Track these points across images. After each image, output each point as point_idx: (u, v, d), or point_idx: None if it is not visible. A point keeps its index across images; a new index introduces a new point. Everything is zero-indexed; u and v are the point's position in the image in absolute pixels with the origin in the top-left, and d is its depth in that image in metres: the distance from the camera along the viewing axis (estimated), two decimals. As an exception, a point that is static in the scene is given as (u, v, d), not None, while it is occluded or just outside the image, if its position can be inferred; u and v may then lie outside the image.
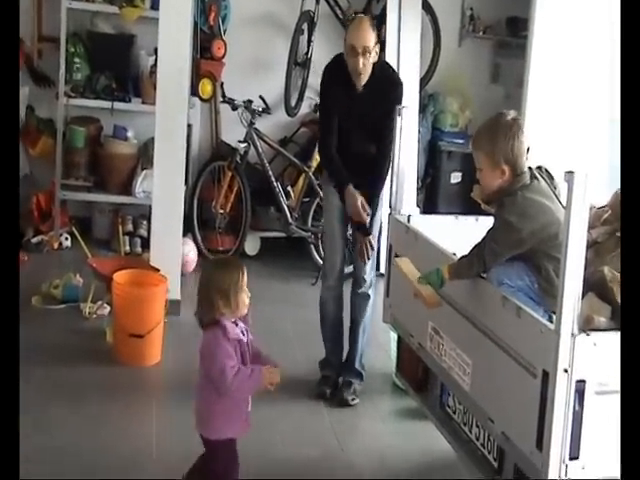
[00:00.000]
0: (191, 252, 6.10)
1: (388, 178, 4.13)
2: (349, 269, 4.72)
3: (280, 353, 4.84)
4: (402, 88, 4.23)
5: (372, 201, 4.22)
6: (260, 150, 6.33)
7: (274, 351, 4.83)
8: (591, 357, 2.52)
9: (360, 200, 4.12)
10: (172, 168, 5.16)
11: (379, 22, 6.77)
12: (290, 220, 6.37)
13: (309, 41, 6.66)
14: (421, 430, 3.98)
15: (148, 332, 4.47)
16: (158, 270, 4.84)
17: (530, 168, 3.10)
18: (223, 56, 6.55)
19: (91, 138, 6.44)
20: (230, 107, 6.30)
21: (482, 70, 7.34)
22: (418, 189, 6.80)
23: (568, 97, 5.90)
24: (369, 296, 4.37)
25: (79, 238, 5.32)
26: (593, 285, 2.89)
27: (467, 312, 3.06)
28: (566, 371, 2.49)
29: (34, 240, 6.15)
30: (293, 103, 6.64)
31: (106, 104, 6.28)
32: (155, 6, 5.86)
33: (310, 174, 6.38)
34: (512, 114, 3.09)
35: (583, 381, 2.51)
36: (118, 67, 6.43)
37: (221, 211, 6.33)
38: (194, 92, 6.34)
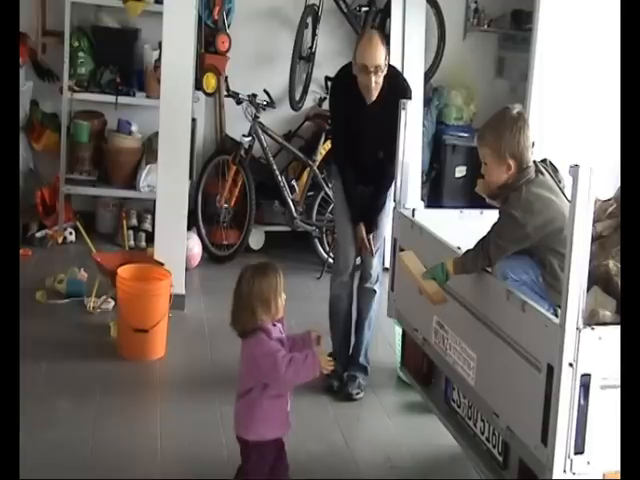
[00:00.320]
0: (195, 246, 6.10)
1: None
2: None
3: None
4: (411, 92, 4.23)
5: (379, 201, 4.28)
6: (264, 144, 6.32)
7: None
8: (596, 351, 2.51)
9: (365, 236, 4.26)
10: (176, 162, 5.16)
11: (384, 15, 6.77)
12: (295, 214, 6.36)
13: (313, 35, 6.64)
14: (426, 424, 3.97)
15: (152, 327, 4.48)
16: (162, 264, 4.84)
17: (535, 162, 3.09)
18: (227, 50, 6.54)
19: (95, 132, 6.44)
20: (234, 101, 6.30)
21: (487, 64, 7.31)
22: (423, 183, 6.78)
23: (573, 90, 5.88)
24: (375, 291, 4.38)
25: (83, 233, 5.32)
26: (598, 279, 2.88)
27: (472, 306, 3.06)
28: (571, 365, 2.49)
29: (38, 235, 6.16)
30: (297, 97, 6.63)
31: (110, 98, 6.29)
32: (159, 0, 5.85)
33: (315, 168, 6.37)
34: (517, 108, 3.07)
35: (588, 375, 2.50)
36: (122, 61, 6.43)
37: (225, 205, 6.33)
38: (198, 86, 6.32)
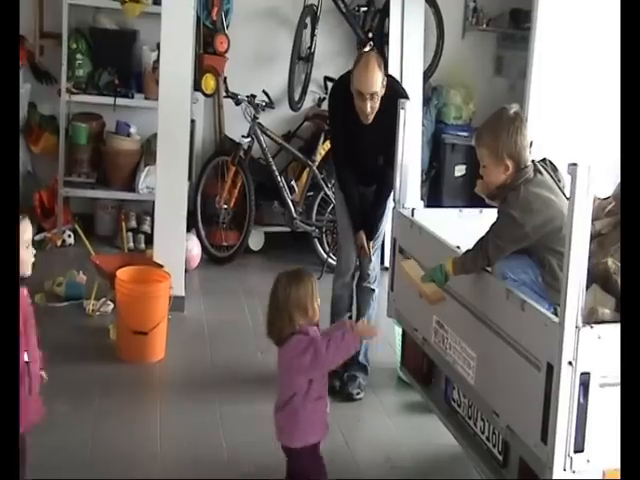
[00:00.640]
0: (195, 248, 6.09)
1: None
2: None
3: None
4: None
5: (379, 210, 4.31)
6: (264, 145, 6.32)
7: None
8: (595, 349, 2.50)
9: (365, 244, 4.28)
10: (175, 164, 5.15)
11: (382, 15, 6.76)
12: (294, 215, 6.35)
13: (312, 35, 6.63)
14: (426, 424, 3.96)
15: (152, 329, 4.47)
16: (162, 266, 4.84)
17: (533, 161, 3.09)
18: (226, 51, 6.53)
19: (94, 134, 6.44)
20: (233, 102, 6.29)
21: (485, 62, 7.31)
22: (422, 182, 6.78)
23: (571, 88, 5.88)
24: (373, 290, 4.39)
25: (82, 235, 5.31)
26: (597, 277, 2.88)
27: (471, 306, 3.05)
28: (570, 364, 2.48)
29: (37, 237, 6.12)
30: (297, 97, 6.62)
31: (109, 100, 6.29)
32: (157, 1, 5.86)
33: (314, 168, 6.36)
34: (514, 108, 3.07)
35: (587, 374, 2.50)
36: (121, 63, 6.42)
37: (225, 206, 6.32)
38: (197, 87, 6.32)
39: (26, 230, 2.75)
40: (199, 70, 6.31)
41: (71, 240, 6.24)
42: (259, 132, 6.29)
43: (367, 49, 6.38)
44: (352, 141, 4.24)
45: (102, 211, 6.61)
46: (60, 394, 4.06)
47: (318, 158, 6.38)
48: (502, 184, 3.06)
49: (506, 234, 2.96)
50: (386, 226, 4.40)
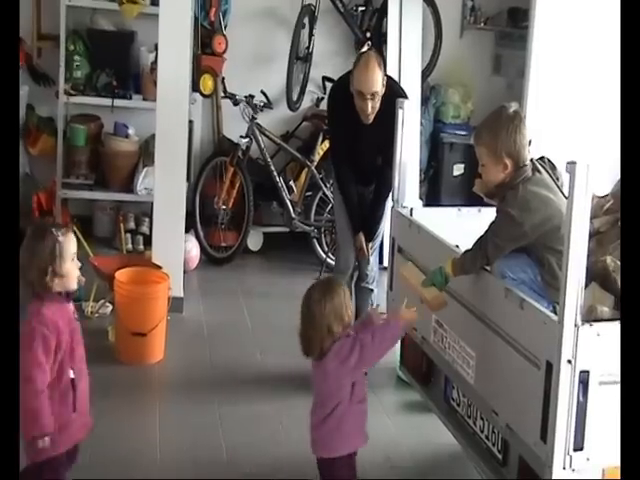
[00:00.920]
0: (193, 249, 6.09)
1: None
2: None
3: (283, 347, 4.86)
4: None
5: (378, 212, 4.32)
6: (262, 145, 6.31)
7: (277, 345, 4.89)
8: (595, 347, 2.50)
9: (364, 245, 4.31)
10: (174, 165, 5.15)
11: (380, 15, 6.76)
12: (293, 215, 6.35)
13: (310, 35, 6.63)
14: (425, 423, 3.96)
15: (151, 330, 4.46)
16: (160, 267, 4.83)
17: (532, 160, 3.09)
18: (224, 51, 6.53)
19: (92, 136, 6.42)
20: (232, 102, 6.28)
21: (484, 61, 7.30)
22: (420, 182, 6.77)
23: (569, 87, 5.88)
24: (372, 290, 4.39)
25: (80, 237, 5.28)
26: (596, 275, 2.88)
27: (470, 305, 3.05)
28: (570, 362, 2.48)
29: (35, 239, 6.13)
30: (295, 97, 6.62)
31: (107, 101, 6.27)
32: (155, 2, 5.83)
33: (313, 168, 6.36)
34: (513, 107, 3.07)
35: (587, 372, 2.50)
36: (118, 64, 6.40)
37: (223, 207, 6.31)
38: (195, 88, 6.32)
39: (71, 243, 2.76)
40: (197, 71, 6.31)
41: (69, 241, 6.22)
42: (257, 132, 6.29)
43: (365, 49, 6.38)
44: (352, 142, 4.24)
45: (100, 212, 6.59)
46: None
47: (317, 158, 6.38)
48: (501, 183, 3.06)
49: (505, 233, 2.95)
50: (385, 226, 4.40)
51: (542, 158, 3.17)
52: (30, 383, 2.62)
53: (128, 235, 6.13)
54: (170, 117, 5.09)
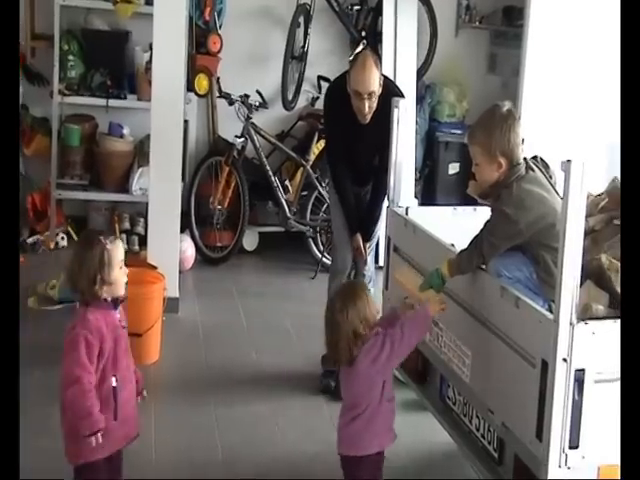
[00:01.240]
0: (189, 249, 6.08)
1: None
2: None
3: (279, 347, 4.88)
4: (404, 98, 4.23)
5: (375, 214, 4.31)
6: (257, 145, 6.31)
7: (273, 345, 4.88)
8: (590, 346, 2.50)
9: (361, 246, 4.30)
10: (169, 164, 5.14)
11: (375, 14, 6.75)
12: (288, 214, 6.34)
13: (305, 34, 6.63)
14: (421, 422, 3.95)
15: (146, 331, 4.44)
16: (156, 268, 4.82)
17: (525, 159, 3.08)
18: (219, 51, 6.53)
19: (86, 136, 6.42)
20: (227, 102, 6.28)
21: (479, 60, 7.31)
22: (416, 180, 6.77)
23: (564, 86, 5.89)
24: (369, 290, 4.37)
25: (75, 237, 5.29)
26: (591, 273, 2.88)
27: (466, 303, 3.05)
28: (565, 360, 2.48)
29: (30, 240, 6.12)
30: (290, 97, 6.61)
31: (101, 101, 6.27)
32: (150, 1, 5.82)
33: (308, 168, 6.35)
34: (507, 105, 3.07)
35: (582, 370, 2.50)
36: (113, 64, 6.40)
37: (219, 207, 6.31)
38: (190, 88, 6.31)
39: (119, 251, 2.78)
40: (192, 70, 6.30)
41: (64, 242, 6.21)
42: (253, 132, 6.28)
43: (360, 48, 6.37)
44: (348, 142, 4.23)
45: (95, 213, 6.58)
46: (54, 398, 4.02)
47: (312, 157, 6.37)
48: (495, 182, 3.05)
49: (500, 231, 2.95)
50: (381, 226, 4.40)
51: (535, 157, 3.17)
52: (77, 384, 2.64)
53: (123, 235, 6.12)
54: (165, 117, 5.08)
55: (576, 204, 2.42)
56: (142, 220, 6.30)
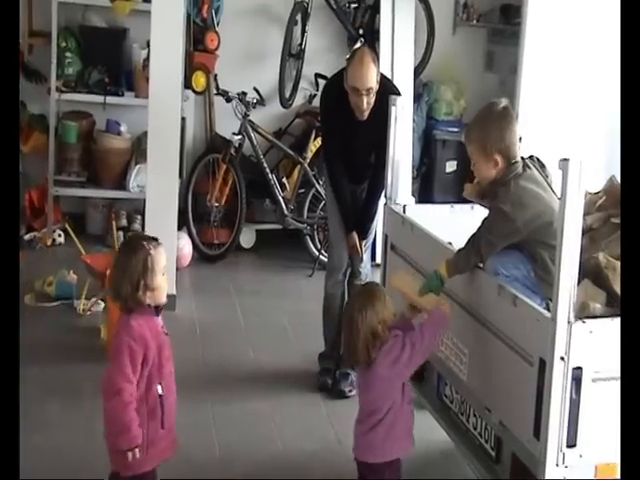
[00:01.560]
0: (186, 246, 6.08)
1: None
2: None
3: (276, 345, 4.87)
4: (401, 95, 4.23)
5: (371, 211, 4.30)
6: (255, 142, 6.30)
7: (270, 343, 4.88)
8: (587, 344, 2.50)
9: (357, 243, 4.27)
10: (166, 162, 5.13)
11: (373, 12, 6.75)
12: (286, 212, 6.34)
13: (303, 32, 6.62)
14: (418, 420, 3.91)
15: (143, 327, 4.44)
16: (153, 265, 4.80)
17: (522, 158, 3.08)
18: (216, 48, 6.52)
19: (84, 133, 6.41)
20: (224, 99, 6.27)
21: (476, 58, 7.31)
22: (413, 178, 6.77)
23: (562, 84, 5.88)
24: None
25: (72, 234, 5.28)
26: (588, 271, 2.88)
27: (463, 302, 3.05)
28: (563, 359, 2.48)
29: (27, 237, 6.11)
30: (287, 94, 6.60)
31: (99, 98, 6.26)
32: (147, -2, 5.83)
33: (305, 165, 6.35)
34: (503, 103, 3.07)
35: (580, 368, 2.50)
36: (110, 61, 6.40)
37: (216, 204, 6.30)
38: (187, 85, 6.31)
39: (162, 256, 2.76)
40: (189, 68, 6.30)
41: (61, 239, 6.21)
42: (250, 129, 6.28)
43: (358, 45, 6.37)
44: (345, 139, 4.22)
45: (93, 210, 6.58)
46: (51, 395, 4.05)
47: (309, 155, 6.37)
48: (493, 180, 3.06)
49: (497, 229, 2.95)
50: (377, 223, 4.40)
51: (531, 157, 3.17)
52: (118, 395, 2.59)
53: (120, 232, 6.10)
54: (162, 114, 5.07)
55: (573, 202, 2.42)
56: (139, 217, 6.30)
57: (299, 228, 6.40)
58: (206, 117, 6.81)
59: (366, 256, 4.36)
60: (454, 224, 3.55)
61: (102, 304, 4.94)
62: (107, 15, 6.42)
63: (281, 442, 3.81)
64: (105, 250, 5.90)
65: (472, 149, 3.07)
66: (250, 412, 4.06)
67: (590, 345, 2.51)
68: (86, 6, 6.38)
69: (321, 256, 6.15)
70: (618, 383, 2.45)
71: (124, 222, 6.36)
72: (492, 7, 7.18)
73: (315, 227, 6.38)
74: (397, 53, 6.56)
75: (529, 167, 3.05)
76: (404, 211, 3.76)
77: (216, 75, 6.51)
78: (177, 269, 5.32)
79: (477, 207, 3.62)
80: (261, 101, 6.36)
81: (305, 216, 6.38)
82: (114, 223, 5.58)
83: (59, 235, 6.22)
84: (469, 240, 3.01)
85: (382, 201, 4.05)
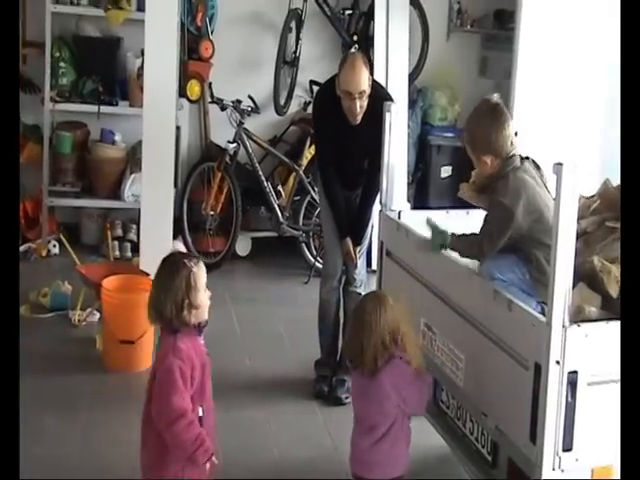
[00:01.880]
0: (182, 255, 6.06)
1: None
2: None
3: (272, 353, 4.86)
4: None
5: (366, 217, 4.30)
6: (250, 150, 6.30)
7: (266, 351, 4.87)
8: (583, 348, 2.50)
9: (351, 250, 4.28)
10: (161, 171, 5.13)
11: (367, 18, 6.75)
12: (281, 219, 6.33)
13: (297, 39, 6.62)
14: (415, 426, 3.91)
15: (139, 338, 4.43)
16: (148, 275, 4.78)
17: (520, 155, 3.11)
18: (211, 56, 6.52)
19: (78, 143, 6.40)
20: (219, 107, 6.27)
21: (470, 63, 7.31)
22: (408, 184, 6.76)
23: (556, 89, 5.89)
24: (360, 294, 4.36)
25: (67, 245, 5.26)
26: (583, 275, 2.88)
27: (459, 307, 3.05)
28: (558, 363, 2.48)
29: (21, 248, 6.05)
30: (282, 102, 6.60)
31: (93, 108, 6.25)
32: (141, 8, 5.83)
33: (301, 172, 6.35)
34: (494, 99, 3.11)
35: (575, 372, 2.50)
36: (105, 70, 6.39)
37: (211, 212, 6.29)
38: (182, 93, 6.30)
39: (203, 273, 2.71)
40: (184, 76, 6.29)
41: (56, 250, 6.18)
42: (245, 137, 6.27)
43: (352, 51, 6.37)
44: (339, 145, 4.22)
45: (87, 220, 6.56)
46: (47, 405, 4.04)
47: (304, 162, 6.37)
48: (490, 175, 3.10)
49: (497, 221, 3.00)
50: (372, 229, 4.39)
51: (527, 159, 3.19)
52: (182, 417, 2.56)
53: (115, 242, 6.11)
54: (157, 123, 5.07)
55: (568, 207, 2.42)
56: (134, 227, 6.28)
57: (295, 235, 6.39)
58: (201, 125, 6.80)
59: (361, 262, 4.36)
60: (450, 229, 3.54)
61: (97, 314, 4.93)
62: (101, 24, 6.41)
63: (277, 449, 3.80)
64: (100, 260, 5.88)
65: (468, 147, 3.15)
66: (246, 419, 4.05)
67: (585, 349, 2.51)
68: (80, 16, 6.37)
69: (317, 263, 6.14)
70: (614, 386, 2.45)
71: (119, 232, 6.34)
72: (486, 12, 7.20)
73: (311, 234, 6.38)
74: (391, 59, 6.56)
75: (527, 159, 3.09)
76: (399, 217, 3.75)
77: (211, 83, 6.51)
78: (173, 278, 5.29)
79: (472, 212, 3.63)
80: (256, 109, 6.36)
81: (301, 223, 6.37)
82: (109, 233, 5.57)
83: (54, 246, 6.19)
84: (472, 234, 3.07)
85: (377, 207, 4.05)
